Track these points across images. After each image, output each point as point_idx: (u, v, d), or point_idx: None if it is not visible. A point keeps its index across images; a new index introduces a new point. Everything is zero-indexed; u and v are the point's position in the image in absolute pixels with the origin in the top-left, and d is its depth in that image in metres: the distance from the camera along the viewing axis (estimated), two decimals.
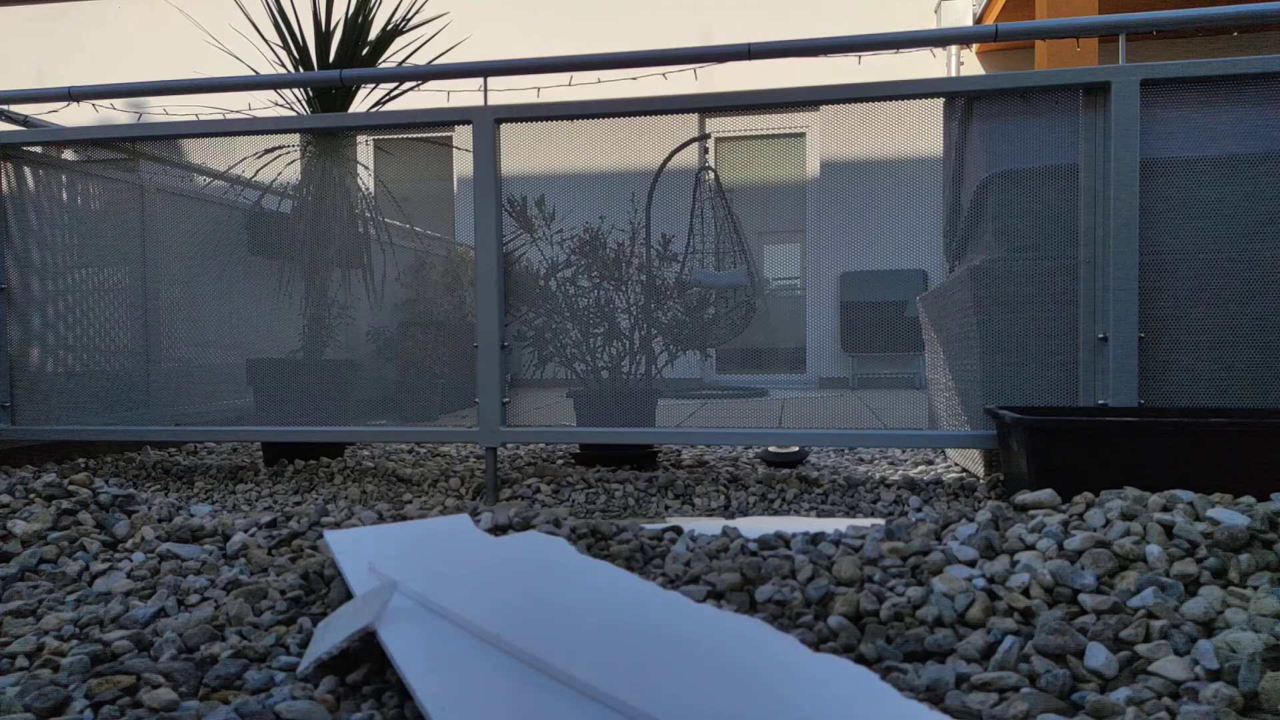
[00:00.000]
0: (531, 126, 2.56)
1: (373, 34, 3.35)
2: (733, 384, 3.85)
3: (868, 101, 2.39)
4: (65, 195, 2.99)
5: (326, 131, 2.93)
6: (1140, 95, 2.21)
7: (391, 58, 3.47)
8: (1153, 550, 1.21)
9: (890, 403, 3.93)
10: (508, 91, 6.49)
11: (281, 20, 3.29)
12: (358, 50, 3.34)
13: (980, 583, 1.20)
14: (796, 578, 1.29)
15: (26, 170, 2.93)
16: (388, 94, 3.51)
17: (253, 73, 3.17)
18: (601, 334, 2.84)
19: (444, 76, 2.80)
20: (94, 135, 3.00)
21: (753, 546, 1.53)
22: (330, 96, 3.34)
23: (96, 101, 3.03)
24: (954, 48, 7.12)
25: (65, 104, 2.93)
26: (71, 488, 1.90)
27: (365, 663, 1.08)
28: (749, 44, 2.39)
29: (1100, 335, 2.23)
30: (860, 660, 1.07)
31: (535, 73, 2.61)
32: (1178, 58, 6.47)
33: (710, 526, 1.70)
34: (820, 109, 2.36)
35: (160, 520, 1.82)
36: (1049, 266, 2.27)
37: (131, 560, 1.61)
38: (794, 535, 1.53)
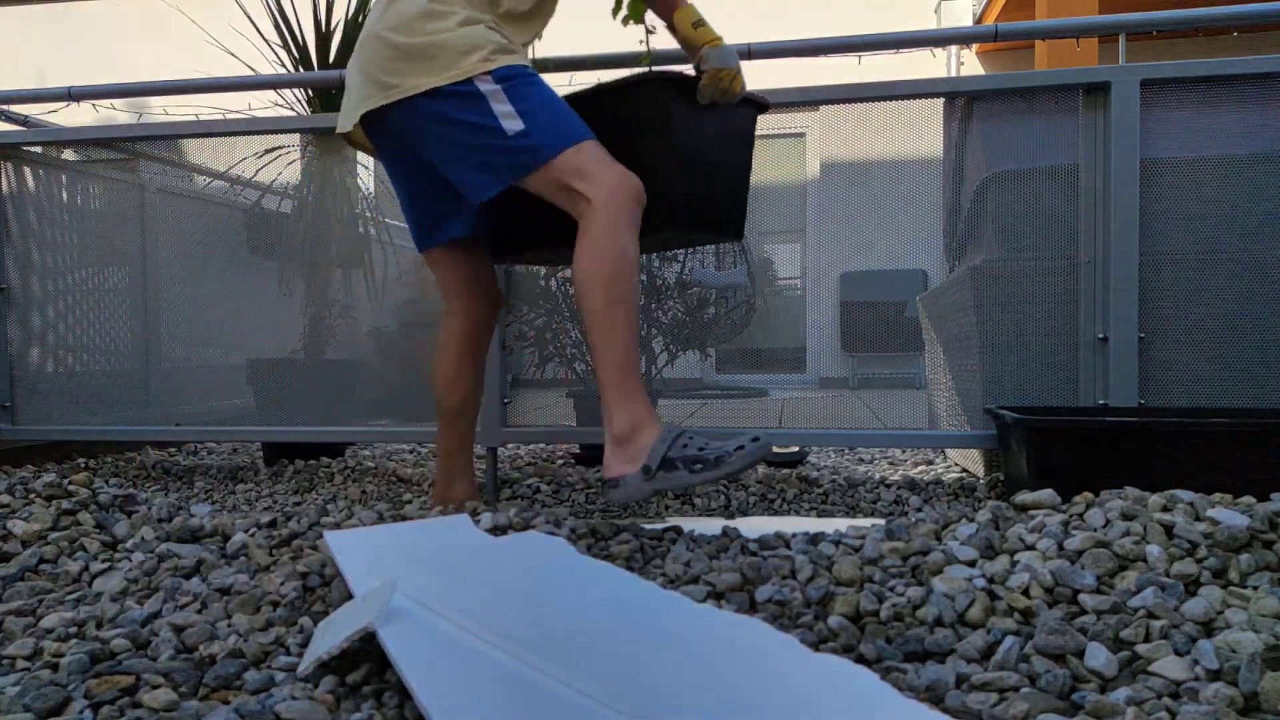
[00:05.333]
0: None
1: None
2: (733, 384, 3.84)
3: (867, 101, 2.38)
4: (65, 195, 2.99)
5: (327, 131, 2.93)
6: (1140, 95, 2.21)
7: None
8: (1153, 550, 1.21)
9: (890, 403, 3.93)
10: None
11: (281, 20, 3.29)
12: None
13: (980, 583, 1.20)
14: (796, 578, 1.29)
15: (26, 170, 2.93)
16: None
17: (253, 73, 3.17)
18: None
19: None
20: (94, 135, 3.00)
21: (753, 546, 1.53)
22: (330, 96, 3.34)
23: (96, 101, 3.02)
24: (954, 48, 7.12)
25: (65, 104, 2.93)
26: (71, 488, 1.90)
27: (365, 663, 1.08)
28: (749, 44, 2.39)
29: (1100, 335, 2.23)
30: (860, 660, 1.07)
31: None
32: (1178, 58, 6.46)
33: (710, 526, 1.71)
34: (820, 109, 2.36)
35: (160, 520, 1.82)
36: (1049, 266, 2.27)
37: (131, 560, 1.61)
38: (794, 535, 1.53)
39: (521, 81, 1.69)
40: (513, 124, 1.66)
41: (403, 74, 1.70)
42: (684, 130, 1.76)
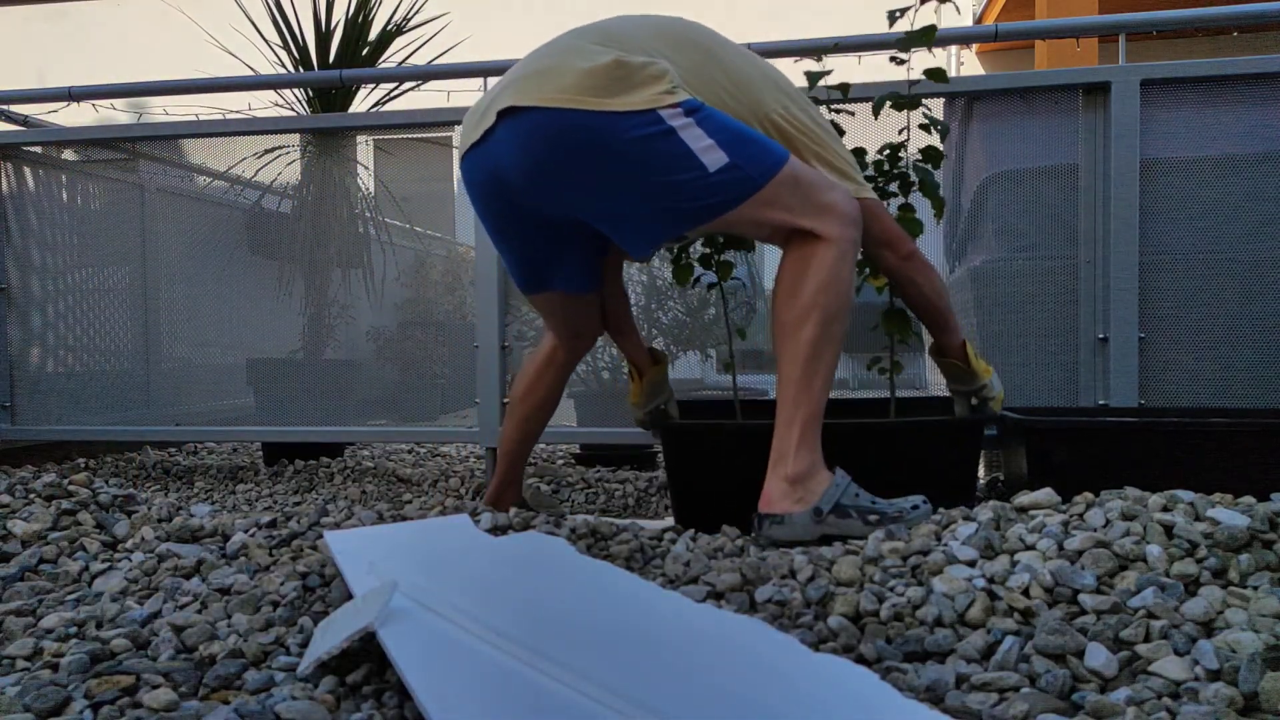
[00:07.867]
0: None
1: (373, 34, 3.35)
2: None
3: (868, 101, 2.38)
4: (65, 195, 2.99)
5: (326, 131, 2.93)
6: (1140, 95, 2.21)
7: (391, 58, 3.47)
8: (1153, 550, 1.21)
9: None
10: None
11: (281, 20, 3.29)
12: (358, 50, 3.34)
13: (980, 583, 1.20)
14: (796, 578, 1.29)
15: (26, 170, 2.93)
16: (388, 94, 3.51)
17: (253, 73, 3.17)
18: (602, 334, 2.84)
19: (444, 76, 2.79)
20: (94, 135, 3.00)
21: (753, 546, 1.53)
22: (330, 96, 3.34)
23: (96, 101, 3.03)
24: (954, 48, 7.11)
25: (65, 104, 2.93)
26: (71, 488, 1.90)
27: (365, 663, 1.08)
28: (749, 44, 2.39)
29: (1100, 335, 2.23)
30: (860, 660, 1.07)
31: None
32: (1178, 58, 6.46)
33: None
34: (820, 109, 2.35)
35: (160, 520, 1.82)
36: (1049, 266, 2.27)
37: (131, 560, 1.61)
38: None
39: (709, 111, 1.51)
40: (715, 158, 1.48)
41: (568, 86, 1.46)
42: None
